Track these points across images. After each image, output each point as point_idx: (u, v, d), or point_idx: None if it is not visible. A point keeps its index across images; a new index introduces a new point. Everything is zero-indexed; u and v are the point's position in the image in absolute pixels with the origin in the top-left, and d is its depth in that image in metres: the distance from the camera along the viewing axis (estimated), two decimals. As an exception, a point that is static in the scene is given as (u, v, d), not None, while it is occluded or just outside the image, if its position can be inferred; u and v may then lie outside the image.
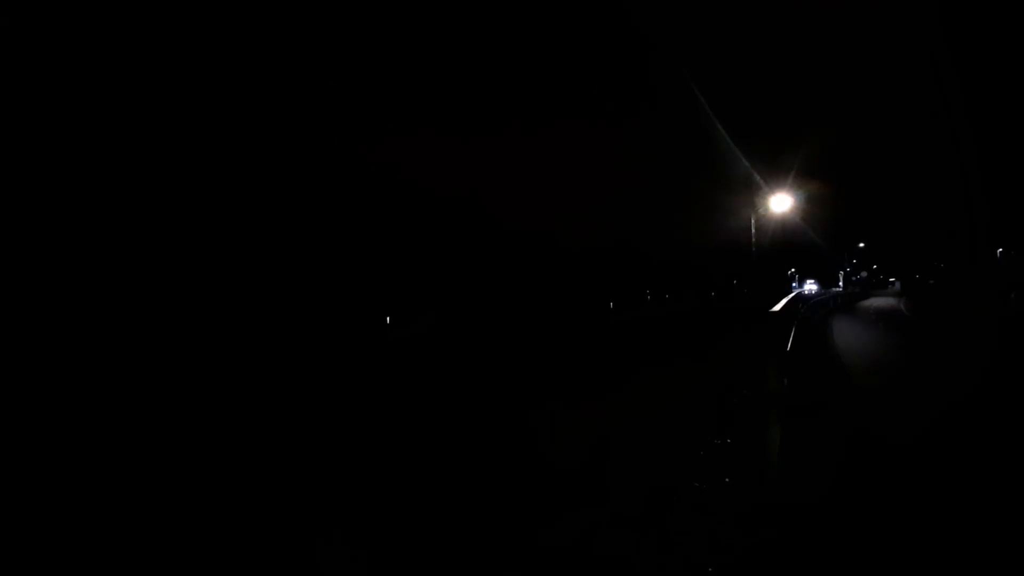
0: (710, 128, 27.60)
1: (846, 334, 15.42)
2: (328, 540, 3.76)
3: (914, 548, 3.31)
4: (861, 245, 75.33)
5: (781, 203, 21.11)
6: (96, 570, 3.57)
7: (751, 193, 22.35)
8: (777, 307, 11.28)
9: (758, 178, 22.70)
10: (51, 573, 3.58)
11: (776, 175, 22.89)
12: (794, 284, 57.58)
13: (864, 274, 78.74)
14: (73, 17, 14.14)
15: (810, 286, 53.58)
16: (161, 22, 15.81)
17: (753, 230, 20.79)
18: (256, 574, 3.50)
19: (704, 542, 3.40)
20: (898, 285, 59.63)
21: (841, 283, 69.85)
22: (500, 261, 26.72)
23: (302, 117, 20.44)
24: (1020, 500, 3.87)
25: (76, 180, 14.10)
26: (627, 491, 4.18)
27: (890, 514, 3.67)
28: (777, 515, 3.67)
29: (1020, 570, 3.10)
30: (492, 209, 25.77)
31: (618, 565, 3.26)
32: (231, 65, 17.77)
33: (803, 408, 6.52)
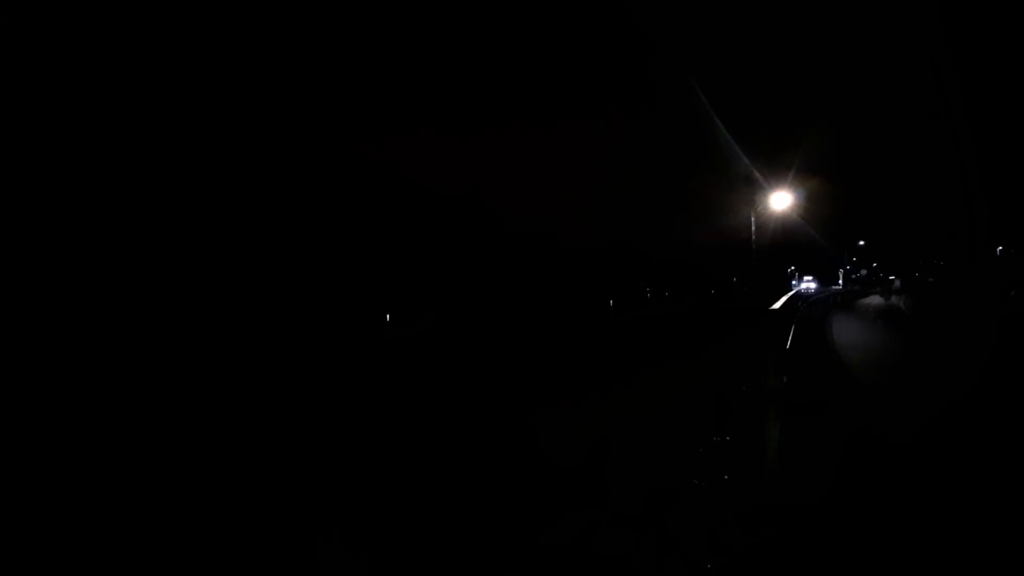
0: (710, 127, 27.57)
1: (845, 332, 15.42)
2: (328, 540, 3.76)
3: (914, 548, 3.31)
4: (861, 243, 75.48)
5: (781, 201, 21.04)
6: (97, 570, 3.57)
7: (751, 191, 22.32)
8: (777, 305, 11.31)
9: (758, 176, 22.68)
10: (51, 573, 3.58)
11: (776, 173, 22.87)
12: (793, 282, 57.47)
13: (864, 272, 78.84)
14: (76, 16, 14.14)
15: (807, 284, 53.21)
16: (161, 25, 15.79)
17: (753, 228, 20.75)
18: (256, 574, 3.50)
19: (704, 542, 3.40)
20: (899, 283, 59.58)
21: (841, 281, 69.90)
22: (500, 260, 26.70)
23: (303, 117, 20.41)
24: (1020, 500, 3.87)
25: (80, 180, 14.11)
26: (627, 491, 4.18)
27: (890, 514, 3.67)
28: (777, 515, 3.67)
29: (1020, 570, 3.10)
30: (492, 208, 25.74)
31: (618, 565, 3.26)
32: (232, 65, 17.76)
33: (803, 407, 6.52)
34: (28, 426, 6.86)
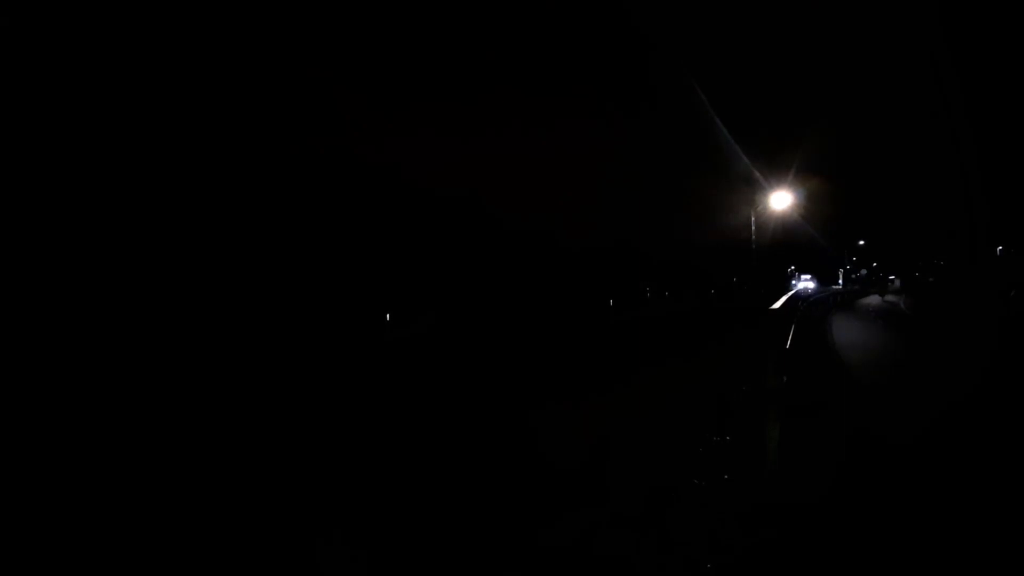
0: (710, 127, 27.61)
1: (845, 332, 15.42)
2: (328, 540, 3.76)
3: (914, 548, 3.31)
4: (861, 243, 75.64)
5: (781, 201, 21.02)
6: (96, 570, 3.57)
7: (751, 191, 22.34)
8: (776, 305, 11.30)
9: (758, 176, 22.70)
10: (51, 573, 3.58)
11: (776, 173, 22.91)
12: (793, 282, 57.44)
13: (864, 272, 78.93)
14: (76, 16, 14.13)
15: (805, 283, 52.99)
16: (161, 24, 15.79)
17: (753, 228, 20.74)
18: (256, 574, 3.50)
19: (704, 542, 3.40)
20: (898, 282, 59.57)
21: (841, 281, 69.98)
22: (501, 260, 26.69)
23: (303, 117, 20.41)
24: (1020, 500, 3.87)
25: (80, 180, 14.11)
26: (627, 491, 4.18)
27: (890, 514, 3.67)
28: (777, 515, 3.67)
29: (1020, 570, 3.10)
30: (492, 208, 25.72)
31: (618, 565, 3.26)
32: (233, 65, 17.75)
33: (803, 407, 6.52)
34: (29, 427, 6.86)
